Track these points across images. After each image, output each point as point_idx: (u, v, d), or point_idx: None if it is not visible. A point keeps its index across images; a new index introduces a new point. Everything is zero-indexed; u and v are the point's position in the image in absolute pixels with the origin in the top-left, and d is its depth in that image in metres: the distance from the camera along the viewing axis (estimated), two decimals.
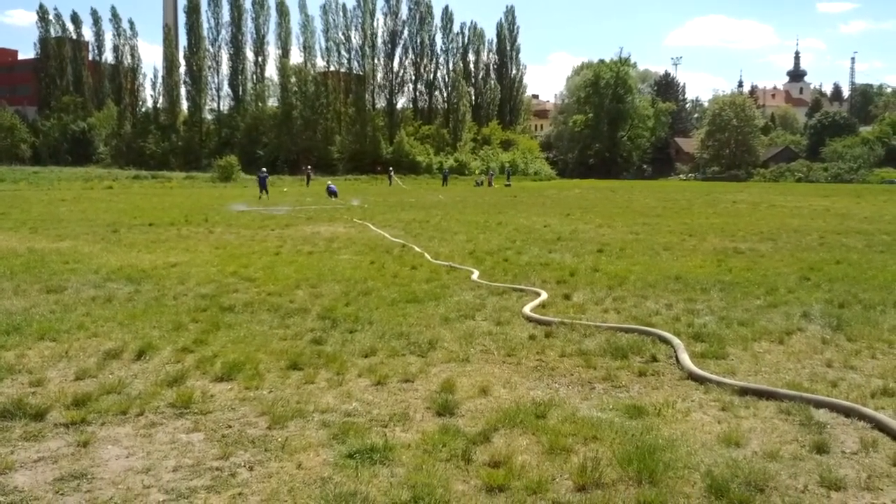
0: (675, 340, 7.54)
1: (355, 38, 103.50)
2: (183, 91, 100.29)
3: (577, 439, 5.01)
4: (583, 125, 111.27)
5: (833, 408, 5.59)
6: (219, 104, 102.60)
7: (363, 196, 42.20)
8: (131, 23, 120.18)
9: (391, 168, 70.68)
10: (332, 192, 40.84)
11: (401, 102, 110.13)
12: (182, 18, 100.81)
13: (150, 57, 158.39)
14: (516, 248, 16.58)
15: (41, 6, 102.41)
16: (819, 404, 5.64)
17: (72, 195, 41.51)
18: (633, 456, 4.60)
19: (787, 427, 5.31)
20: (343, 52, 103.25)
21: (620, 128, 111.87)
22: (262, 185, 41.84)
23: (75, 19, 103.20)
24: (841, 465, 4.64)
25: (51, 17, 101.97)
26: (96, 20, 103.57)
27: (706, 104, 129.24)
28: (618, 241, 17.79)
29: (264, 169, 45.22)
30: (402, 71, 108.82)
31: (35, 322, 8.38)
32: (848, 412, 5.49)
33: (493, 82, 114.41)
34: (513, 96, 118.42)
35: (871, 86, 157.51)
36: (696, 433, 5.18)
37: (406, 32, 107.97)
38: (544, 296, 10.33)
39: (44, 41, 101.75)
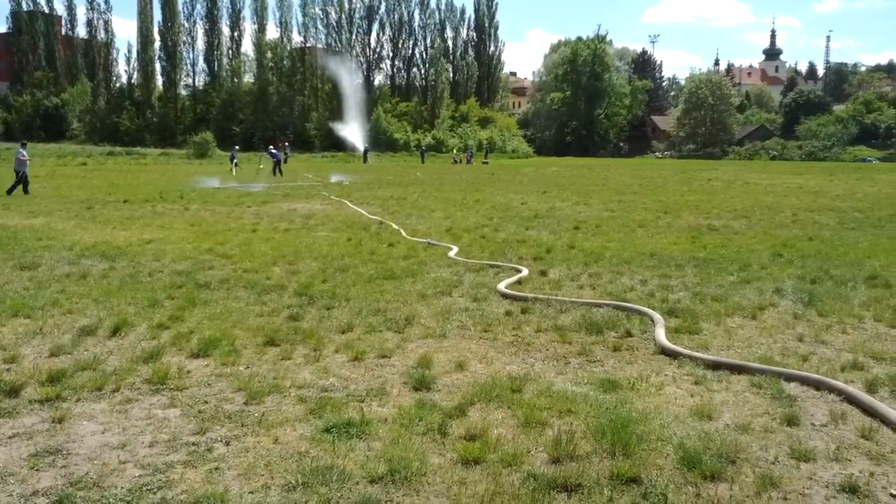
0: (657, 316, 7.60)
1: (332, 14, 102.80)
2: (158, 66, 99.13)
3: (552, 413, 5.06)
4: (560, 103, 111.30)
5: (803, 381, 5.68)
6: (194, 80, 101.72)
7: (344, 174, 41.90)
8: None
9: (367, 146, 70.23)
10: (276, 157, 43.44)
11: (378, 79, 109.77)
12: None
13: (124, 32, 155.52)
14: (493, 225, 16.61)
15: None
16: (790, 378, 5.73)
17: (45, 172, 41.04)
18: (606, 429, 4.65)
19: (759, 400, 5.38)
20: (320, 28, 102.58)
21: (597, 106, 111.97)
22: (231, 161, 47.25)
23: None
24: (811, 437, 4.71)
25: None
26: None
27: (683, 82, 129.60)
28: (594, 219, 17.87)
29: (237, 147, 53.04)
30: (379, 47, 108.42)
31: (8, 299, 8.31)
32: (818, 385, 5.58)
33: (471, 59, 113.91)
34: (491, 73, 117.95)
35: (845, 65, 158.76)
36: (669, 406, 5.24)
37: (383, 8, 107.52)
38: (525, 272, 10.37)
39: (15, 15, 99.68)
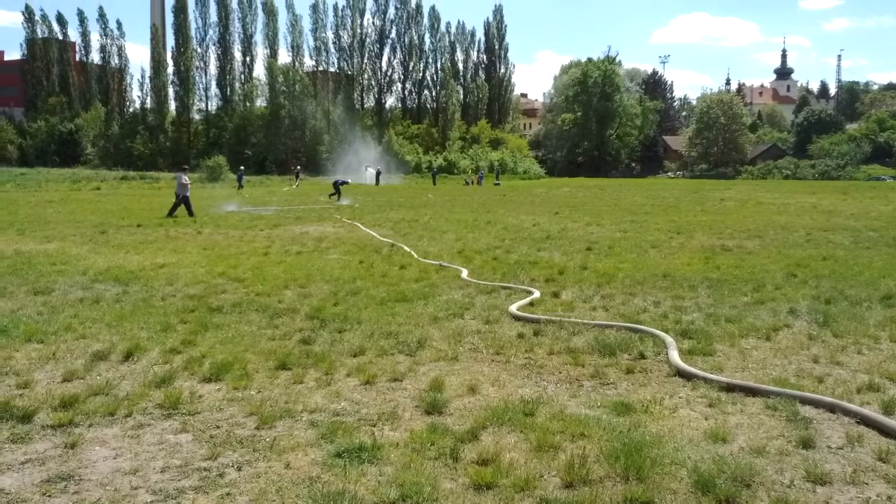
0: (668, 339, 7.56)
1: (344, 38, 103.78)
2: (171, 91, 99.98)
3: (564, 437, 5.03)
4: (571, 124, 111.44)
5: (818, 404, 5.62)
6: (207, 104, 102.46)
7: (352, 196, 41.91)
8: (118, 23, 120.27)
9: (379, 168, 70.27)
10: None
11: (389, 102, 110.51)
12: (169, 18, 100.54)
13: (138, 57, 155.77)
14: (505, 246, 16.60)
15: (27, 7, 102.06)
16: (804, 401, 5.67)
17: (59, 196, 41.29)
18: (620, 452, 4.62)
19: (774, 423, 5.34)
20: (333, 51, 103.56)
21: (609, 126, 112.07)
22: (239, 181, 49.95)
23: (61, 20, 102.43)
24: (827, 460, 4.67)
25: (37, 17, 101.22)
26: (82, 20, 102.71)
27: (694, 102, 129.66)
28: (606, 240, 17.83)
29: (242, 167, 55.79)
30: (390, 70, 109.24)
31: (22, 324, 8.34)
32: (832, 408, 5.52)
33: (481, 81, 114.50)
34: (501, 95, 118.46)
35: (857, 83, 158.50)
36: (683, 429, 5.20)
37: (394, 31, 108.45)
38: (537, 294, 10.34)
39: (30, 42, 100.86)
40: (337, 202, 36.21)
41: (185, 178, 26.59)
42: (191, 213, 25.63)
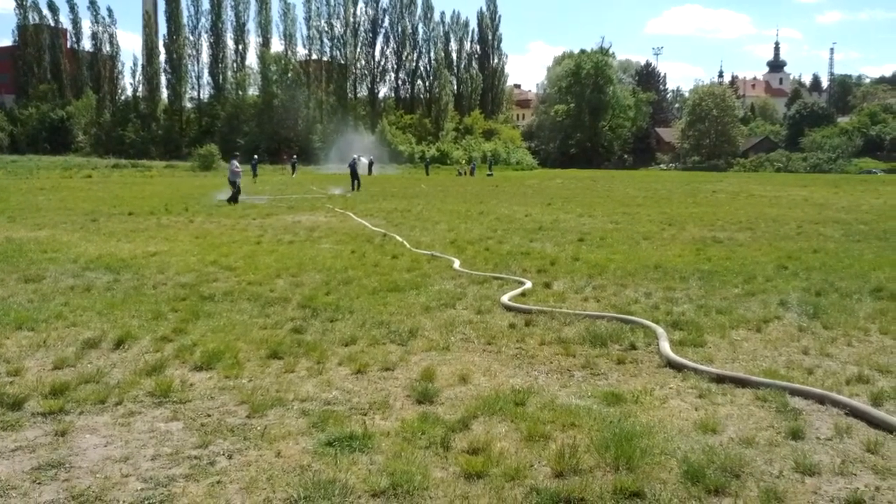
0: (659, 329, 7.58)
1: (337, 26, 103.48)
2: (163, 79, 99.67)
3: (555, 426, 5.04)
4: (564, 115, 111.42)
5: (807, 395, 5.65)
6: (199, 92, 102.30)
7: (345, 185, 41.82)
8: (110, 10, 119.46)
9: (371, 158, 70.11)
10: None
11: (383, 91, 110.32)
12: (161, 5, 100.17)
13: (129, 45, 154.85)
14: (497, 237, 16.61)
15: None
16: (794, 392, 5.70)
17: (50, 184, 41.15)
18: (610, 442, 4.63)
19: (763, 414, 5.36)
20: (325, 41, 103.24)
21: (601, 118, 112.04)
22: (254, 170, 50.49)
23: (52, 6, 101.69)
24: (815, 451, 4.69)
25: (29, 3, 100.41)
26: (73, 7, 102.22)
27: (687, 94, 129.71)
28: (598, 231, 17.85)
29: (255, 157, 56.11)
30: (383, 60, 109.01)
31: (13, 311, 8.31)
32: (822, 399, 5.55)
33: (474, 71, 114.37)
34: (494, 85, 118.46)
35: (849, 76, 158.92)
36: (673, 420, 5.22)
37: (387, 21, 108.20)
38: (529, 285, 10.35)
39: (21, 28, 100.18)
40: (356, 191, 35.99)
41: (237, 165, 27.08)
42: (236, 200, 26.13)
